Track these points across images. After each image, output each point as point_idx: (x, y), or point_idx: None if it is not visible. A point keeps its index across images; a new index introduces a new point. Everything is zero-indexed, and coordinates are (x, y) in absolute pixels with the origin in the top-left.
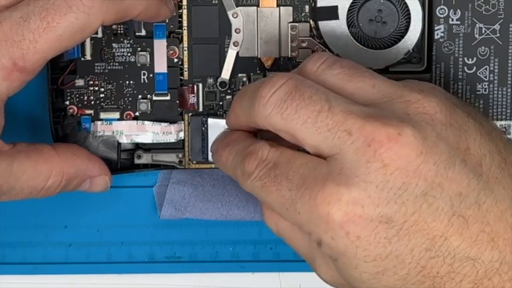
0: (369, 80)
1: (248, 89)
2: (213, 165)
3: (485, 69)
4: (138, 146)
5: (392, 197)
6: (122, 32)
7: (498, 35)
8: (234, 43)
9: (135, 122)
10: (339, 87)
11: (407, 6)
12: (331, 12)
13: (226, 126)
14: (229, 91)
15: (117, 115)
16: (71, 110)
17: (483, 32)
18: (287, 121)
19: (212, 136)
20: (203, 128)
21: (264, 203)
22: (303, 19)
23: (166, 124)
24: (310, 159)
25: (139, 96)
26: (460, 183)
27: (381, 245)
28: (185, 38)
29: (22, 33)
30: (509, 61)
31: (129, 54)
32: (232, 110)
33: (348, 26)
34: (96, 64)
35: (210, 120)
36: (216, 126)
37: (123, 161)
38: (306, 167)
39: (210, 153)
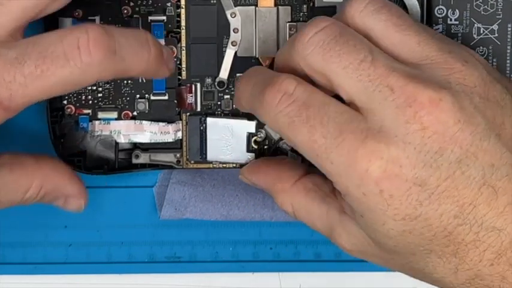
0: (415, 35)
1: (290, 38)
2: (210, 165)
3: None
4: (136, 146)
5: (428, 160)
6: None
7: (496, 35)
8: (232, 43)
9: (133, 121)
10: (384, 34)
11: (405, 6)
12: (329, 12)
13: (227, 125)
14: (227, 91)
15: (115, 115)
16: (69, 110)
17: (481, 32)
18: (328, 62)
19: (212, 135)
20: (201, 128)
21: (273, 187)
22: (301, 19)
23: (164, 124)
24: (345, 109)
25: (137, 96)
26: (494, 155)
27: (412, 206)
28: (183, 38)
29: (14, 75)
30: (508, 61)
31: None
32: (275, 61)
33: None
34: None
35: (209, 120)
36: (215, 126)
37: (121, 161)
38: (342, 116)
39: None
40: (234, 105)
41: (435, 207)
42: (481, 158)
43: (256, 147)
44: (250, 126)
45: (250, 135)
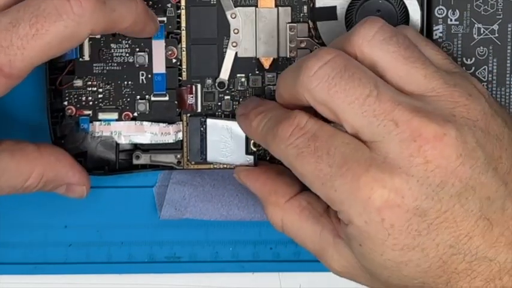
0: (422, 68)
1: (292, 65)
2: (211, 166)
3: (484, 69)
4: (136, 147)
5: (430, 193)
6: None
7: (497, 35)
8: (232, 43)
9: (133, 122)
10: (391, 66)
11: (405, 7)
12: (329, 13)
13: (226, 127)
14: (227, 92)
15: (115, 116)
16: (69, 111)
17: (482, 32)
18: (333, 98)
19: (212, 137)
20: (202, 129)
21: (267, 198)
22: (301, 19)
23: (164, 125)
24: (351, 140)
25: (138, 97)
26: (490, 189)
27: (411, 236)
28: (183, 39)
29: (10, 39)
30: (508, 61)
31: (127, 55)
32: (277, 88)
33: (347, 27)
34: (94, 64)
35: (209, 121)
36: (215, 127)
37: (122, 162)
38: (348, 147)
39: (236, 113)
40: (234, 108)
41: (433, 237)
42: (478, 191)
43: (255, 149)
44: None
45: (249, 138)
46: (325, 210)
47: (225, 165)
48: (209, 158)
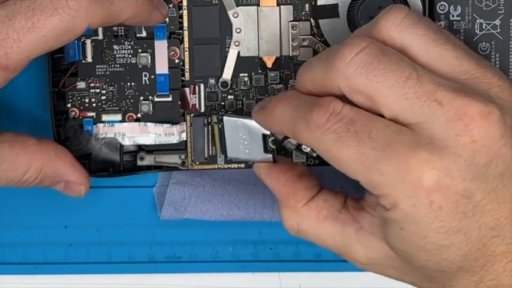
0: (452, 50)
1: (319, 54)
2: (216, 166)
3: None
4: (140, 148)
5: (477, 173)
6: (122, 33)
7: (499, 30)
8: (235, 43)
9: (137, 123)
10: (422, 49)
11: (407, 3)
12: (331, 10)
13: (243, 125)
14: (230, 91)
15: (119, 117)
16: (73, 113)
17: (484, 27)
18: (372, 82)
19: (229, 134)
20: (206, 129)
21: (285, 200)
22: (303, 18)
23: (168, 125)
24: (391, 123)
25: (141, 98)
26: None
27: (457, 219)
28: (186, 39)
29: (6, 32)
30: (510, 56)
31: (130, 56)
32: (298, 80)
33: (349, 24)
34: (97, 66)
35: (225, 119)
36: (232, 125)
37: (126, 163)
38: (390, 129)
39: (253, 112)
40: (238, 107)
41: (476, 220)
42: None
43: (274, 147)
44: None
45: (266, 136)
46: (343, 206)
47: (229, 165)
48: (229, 155)
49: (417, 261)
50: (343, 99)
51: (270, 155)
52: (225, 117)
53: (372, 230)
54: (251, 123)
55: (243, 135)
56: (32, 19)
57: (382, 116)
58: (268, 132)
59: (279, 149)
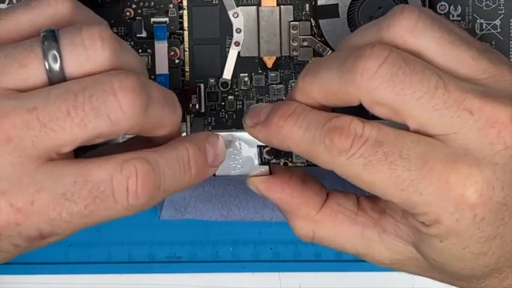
0: (468, 50)
1: (332, 61)
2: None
3: None
4: None
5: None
6: (122, 33)
7: (499, 30)
8: (235, 43)
9: None
10: (439, 53)
11: (407, 3)
12: (331, 10)
13: (233, 139)
14: (231, 91)
15: None
16: None
17: (484, 27)
18: (399, 96)
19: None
20: (206, 129)
21: (296, 211)
22: (303, 18)
23: None
24: (420, 137)
25: None
26: None
27: (495, 226)
28: (186, 39)
29: (60, 212)
30: (510, 56)
31: None
32: (302, 88)
33: (349, 24)
34: None
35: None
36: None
37: None
38: (421, 145)
39: (245, 125)
40: (238, 108)
41: (511, 224)
42: None
43: (269, 157)
44: None
45: (261, 147)
46: (358, 208)
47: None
48: (218, 172)
49: (451, 269)
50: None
51: (267, 167)
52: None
53: (398, 234)
54: (243, 135)
55: (234, 150)
56: (91, 208)
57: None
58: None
59: (276, 152)
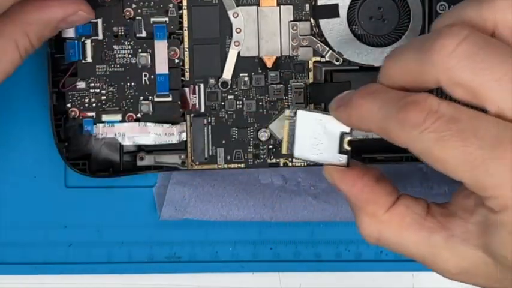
0: None
1: (412, 43)
2: (216, 166)
3: None
4: (140, 148)
5: None
6: (122, 33)
7: None
8: (235, 43)
9: (137, 123)
10: None
11: (407, 3)
12: (331, 10)
13: (320, 120)
14: (230, 91)
15: (119, 117)
16: (73, 113)
17: None
18: (478, 76)
19: (301, 130)
20: (206, 129)
21: (364, 207)
22: (303, 17)
23: (168, 125)
24: (497, 120)
25: (141, 98)
26: None
27: None
28: (186, 39)
29: None
30: None
31: (130, 56)
32: (384, 73)
33: (349, 24)
34: (97, 66)
35: (300, 112)
36: (307, 119)
37: (126, 163)
38: (497, 127)
39: (331, 108)
40: (238, 108)
41: None
42: None
43: (349, 148)
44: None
45: (343, 135)
46: (427, 212)
47: (230, 165)
48: (296, 153)
49: None
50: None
51: (345, 157)
52: (299, 111)
53: (466, 237)
54: (328, 118)
55: (317, 132)
56: None
57: (483, 111)
58: (347, 130)
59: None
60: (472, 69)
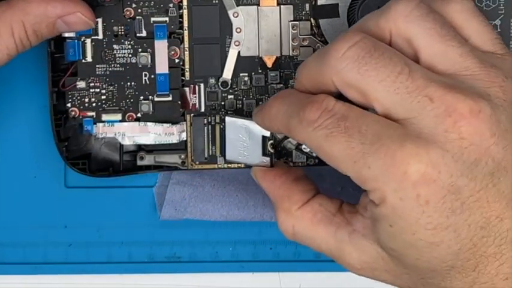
0: (457, 47)
1: (318, 50)
2: (216, 166)
3: None
4: (140, 148)
5: (465, 170)
6: (122, 33)
7: (499, 30)
8: (235, 43)
9: (137, 123)
10: (426, 43)
11: None
12: (331, 10)
13: (244, 126)
14: (230, 91)
15: (119, 117)
16: (73, 113)
17: None
18: (364, 77)
19: (230, 135)
20: (206, 129)
21: (280, 203)
22: (303, 17)
23: (168, 125)
24: (381, 119)
25: (141, 98)
26: None
27: (444, 215)
28: (186, 38)
29: None
30: None
31: (130, 56)
32: (296, 78)
33: (349, 24)
34: (97, 66)
35: (228, 119)
36: (234, 125)
37: (126, 163)
38: (379, 124)
39: (253, 116)
40: (238, 107)
41: (465, 217)
42: (510, 173)
43: (272, 151)
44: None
45: (266, 139)
46: (338, 210)
47: (229, 165)
48: (228, 156)
49: (408, 260)
50: (340, 98)
51: (268, 159)
52: (227, 118)
53: (364, 232)
54: (251, 124)
55: (243, 136)
56: None
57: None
58: (267, 134)
59: (280, 149)
60: (358, 71)
